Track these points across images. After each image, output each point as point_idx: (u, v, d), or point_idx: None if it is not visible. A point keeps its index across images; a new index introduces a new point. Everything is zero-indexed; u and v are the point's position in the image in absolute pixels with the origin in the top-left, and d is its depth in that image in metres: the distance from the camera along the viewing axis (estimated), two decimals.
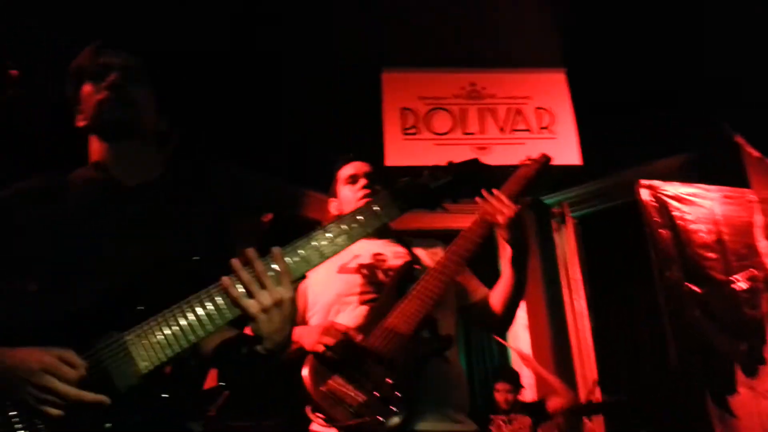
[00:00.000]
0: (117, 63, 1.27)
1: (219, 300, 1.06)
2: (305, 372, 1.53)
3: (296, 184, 4.18)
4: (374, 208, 1.23)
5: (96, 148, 1.28)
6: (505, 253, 1.79)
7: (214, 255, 1.22)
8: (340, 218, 1.19)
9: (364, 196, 1.89)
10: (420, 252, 1.88)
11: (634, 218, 3.50)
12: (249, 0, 3.10)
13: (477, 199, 1.68)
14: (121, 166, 1.26)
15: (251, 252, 1.08)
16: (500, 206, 1.70)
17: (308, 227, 1.18)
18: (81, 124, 1.29)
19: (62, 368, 0.97)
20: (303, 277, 1.14)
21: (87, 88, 1.27)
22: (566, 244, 4.19)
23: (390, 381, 1.50)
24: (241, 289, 1.05)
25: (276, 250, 1.09)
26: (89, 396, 0.98)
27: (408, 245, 1.90)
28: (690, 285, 3.03)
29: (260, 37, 3.32)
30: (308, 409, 1.51)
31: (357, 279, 1.78)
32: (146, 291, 1.09)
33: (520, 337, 4.07)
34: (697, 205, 3.23)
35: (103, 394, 0.98)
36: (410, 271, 1.76)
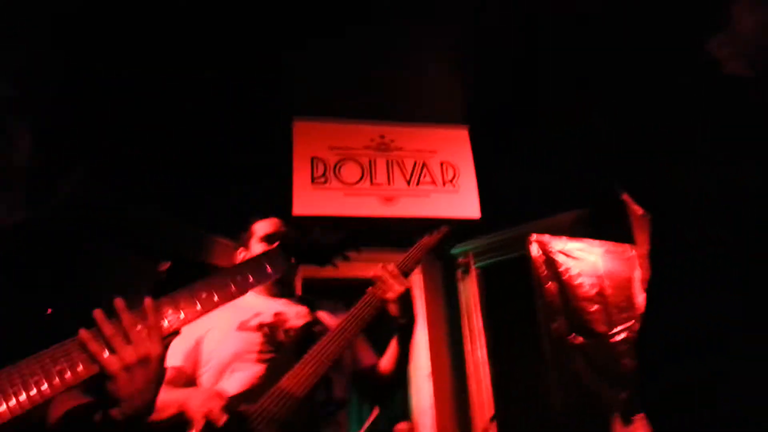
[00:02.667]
0: None
1: (75, 356, 0.92)
2: None
3: (202, 229, 4.13)
4: (264, 264, 1.22)
5: None
6: (394, 326, 1.86)
7: (73, 308, 1.14)
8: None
9: None
10: (322, 314, 1.93)
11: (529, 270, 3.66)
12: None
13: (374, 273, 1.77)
14: None
15: (119, 302, 0.99)
16: (392, 282, 1.77)
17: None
18: None
19: None
20: (176, 333, 1.05)
21: None
22: (469, 293, 4.31)
23: None
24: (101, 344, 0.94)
25: (148, 300, 1.01)
26: None
27: (311, 306, 1.94)
28: (574, 336, 3.18)
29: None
30: None
31: (256, 338, 1.78)
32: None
33: (422, 387, 4.10)
34: (582, 259, 3.43)
35: None
36: (310, 332, 1.79)
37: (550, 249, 3.39)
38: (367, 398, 2.22)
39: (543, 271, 3.30)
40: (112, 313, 1.00)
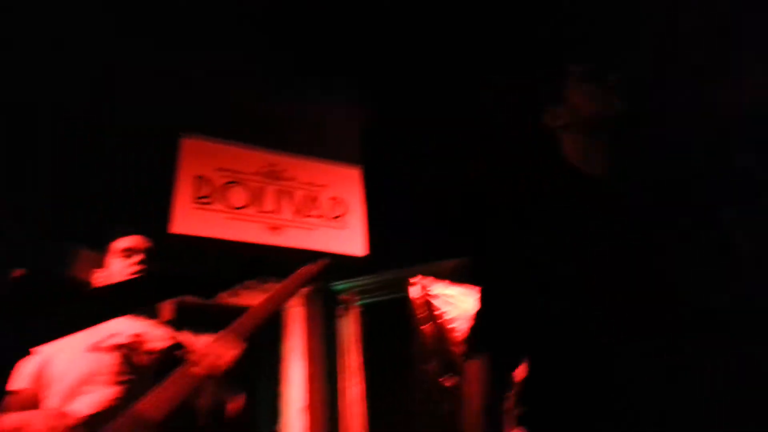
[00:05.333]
0: None
1: None
2: None
3: (71, 242, 3.80)
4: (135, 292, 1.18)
5: None
6: None
7: None
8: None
9: (136, 272, 1.83)
10: (187, 337, 1.86)
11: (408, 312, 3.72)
12: None
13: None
14: None
15: None
16: (223, 349, 1.63)
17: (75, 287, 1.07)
18: None
19: None
20: None
21: None
22: (349, 330, 4.29)
23: None
24: None
25: None
26: None
27: (176, 328, 1.87)
28: (445, 378, 3.25)
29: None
30: None
31: (110, 359, 1.68)
32: None
33: (294, 421, 3.97)
34: (458, 304, 3.54)
35: None
36: (173, 356, 1.70)
37: (429, 292, 3.48)
38: None
39: (421, 312, 3.37)
40: None
